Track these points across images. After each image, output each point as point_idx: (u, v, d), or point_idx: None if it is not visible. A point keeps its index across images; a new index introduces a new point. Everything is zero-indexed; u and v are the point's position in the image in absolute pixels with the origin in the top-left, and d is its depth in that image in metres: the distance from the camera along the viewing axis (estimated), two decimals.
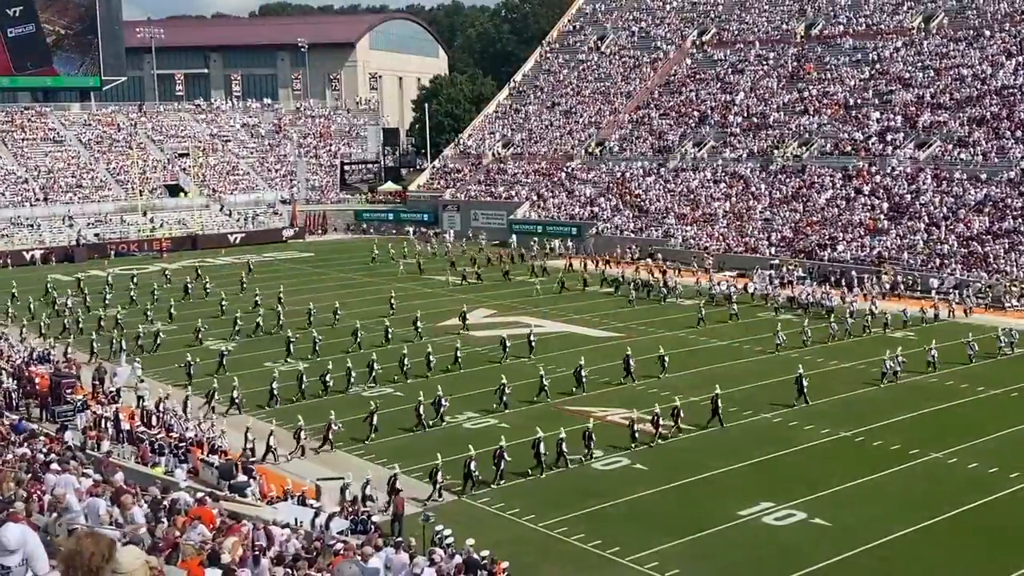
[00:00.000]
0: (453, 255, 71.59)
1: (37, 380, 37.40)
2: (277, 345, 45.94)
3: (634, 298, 56.10)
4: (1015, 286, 55.96)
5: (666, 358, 40.90)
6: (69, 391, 36.77)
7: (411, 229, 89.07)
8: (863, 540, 24.91)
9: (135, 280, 62.06)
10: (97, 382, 39.00)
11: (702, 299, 54.48)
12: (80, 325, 50.64)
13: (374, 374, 39.93)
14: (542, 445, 29.68)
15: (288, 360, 43.66)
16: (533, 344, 44.45)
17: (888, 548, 24.67)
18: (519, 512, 27.06)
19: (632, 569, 23.81)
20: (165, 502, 19.72)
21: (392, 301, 53.80)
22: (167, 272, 66.67)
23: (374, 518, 24.85)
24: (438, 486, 28.06)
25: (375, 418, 33.28)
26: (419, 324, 48.11)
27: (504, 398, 36.21)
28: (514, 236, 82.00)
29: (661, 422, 32.64)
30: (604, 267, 65.72)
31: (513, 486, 28.95)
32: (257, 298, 55.19)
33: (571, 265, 66.73)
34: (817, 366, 39.58)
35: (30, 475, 18.37)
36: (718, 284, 57.84)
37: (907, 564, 24.13)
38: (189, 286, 60.78)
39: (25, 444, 23.31)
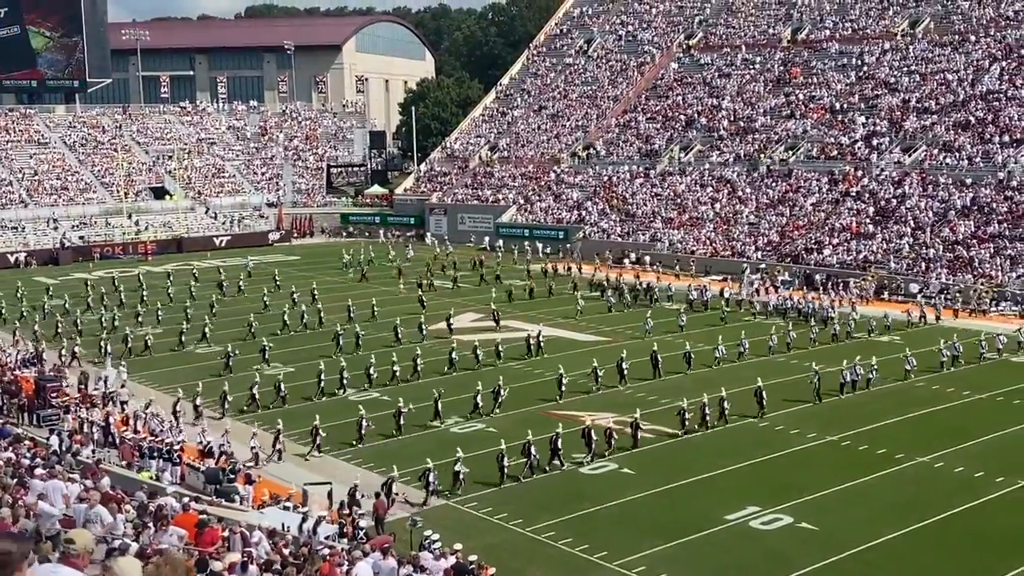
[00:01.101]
0: (435, 259, 71.47)
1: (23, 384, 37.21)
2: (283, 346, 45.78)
3: (614, 303, 56.25)
4: (986, 292, 56.15)
5: (660, 360, 41.29)
6: (54, 395, 36.58)
7: (382, 231, 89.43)
8: (850, 544, 24.96)
9: (141, 282, 62.49)
10: (82, 385, 38.80)
11: (682, 304, 54.67)
12: (79, 327, 50.31)
13: (372, 377, 39.93)
14: (533, 448, 29.64)
15: (267, 363, 43.59)
16: (541, 345, 45.05)
17: (875, 552, 24.72)
18: (507, 516, 27.03)
19: (620, 573, 23.81)
20: (151, 507, 19.64)
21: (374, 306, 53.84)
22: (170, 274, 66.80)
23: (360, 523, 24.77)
24: (431, 488, 28.04)
25: (365, 422, 33.16)
26: (399, 329, 47.99)
27: (499, 399, 36.17)
28: (487, 239, 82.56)
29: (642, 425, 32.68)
30: (594, 272, 65.58)
31: (500, 491, 28.90)
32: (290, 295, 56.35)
33: (555, 269, 66.69)
34: (803, 371, 39.64)
35: (16, 480, 18.26)
36: (697, 289, 57.88)
37: (894, 569, 24.17)
38: (224, 284, 62.22)
39: (10, 449, 23.18)
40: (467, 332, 49.18)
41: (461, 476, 28.55)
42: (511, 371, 41.67)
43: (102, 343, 44.96)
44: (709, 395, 34.77)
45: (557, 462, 30.47)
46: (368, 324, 50.56)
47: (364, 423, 32.98)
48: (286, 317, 51.51)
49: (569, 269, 66.76)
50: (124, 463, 29.03)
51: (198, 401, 35.99)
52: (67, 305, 56.26)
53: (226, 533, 18.76)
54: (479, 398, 35.86)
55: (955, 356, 42.59)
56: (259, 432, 32.41)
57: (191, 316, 52.28)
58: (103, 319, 51.03)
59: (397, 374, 40.52)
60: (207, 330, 48.58)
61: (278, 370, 42.34)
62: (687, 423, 33.67)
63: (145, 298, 57.73)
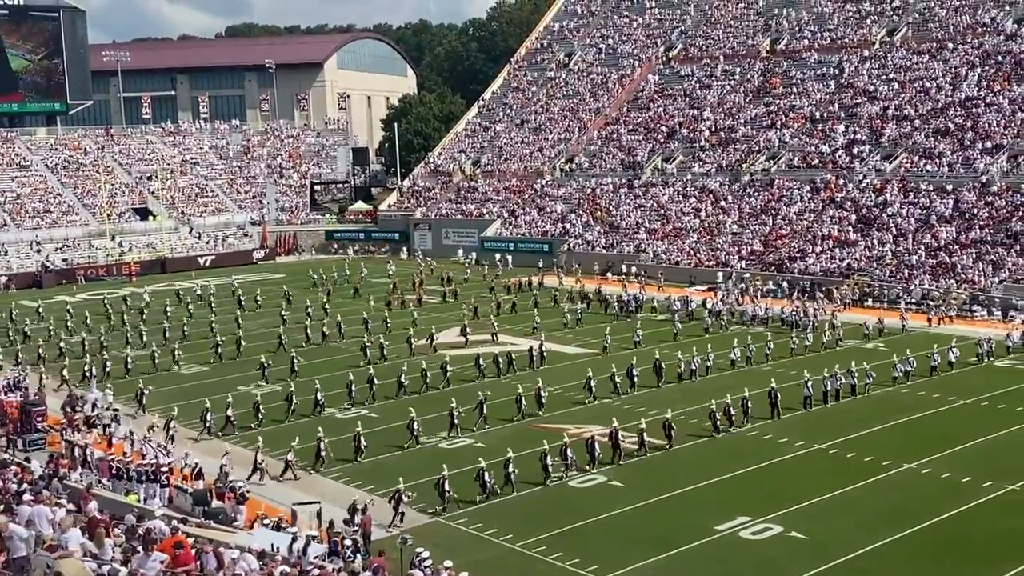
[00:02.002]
0: (420, 273, 71.46)
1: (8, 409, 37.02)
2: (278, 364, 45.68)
3: (581, 315, 56.46)
4: (955, 298, 56.39)
5: (663, 367, 41.79)
6: (39, 419, 36.40)
7: (350, 248, 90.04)
8: (840, 552, 25.03)
9: (146, 301, 62.99)
10: (69, 409, 38.60)
11: (661, 315, 54.91)
12: (62, 350, 50.01)
13: (353, 394, 39.85)
14: (511, 465, 29.57)
15: (265, 381, 43.51)
16: (544, 356, 45.50)
17: (865, 560, 24.79)
18: (496, 532, 26.99)
19: None
20: (140, 530, 19.56)
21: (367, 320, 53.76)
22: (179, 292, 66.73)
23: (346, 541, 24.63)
24: (448, 495, 28.27)
25: (362, 440, 33.01)
26: (384, 345, 48.02)
27: (483, 414, 36.12)
28: (460, 252, 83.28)
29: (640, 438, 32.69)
30: (575, 284, 65.71)
31: (489, 506, 28.86)
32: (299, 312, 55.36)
33: (529, 284, 66.69)
34: (791, 379, 39.74)
35: (2, 506, 18.17)
36: (681, 300, 58.07)
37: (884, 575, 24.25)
38: (242, 299, 62.90)
39: None
40: (454, 347, 49.20)
41: (449, 492, 28.48)
42: (498, 385, 41.59)
43: (86, 367, 44.75)
44: (696, 406, 34.87)
45: (556, 474, 30.43)
46: (353, 340, 50.53)
47: (322, 447, 32.39)
48: (309, 331, 52.26)
49: (538, 284, 66.53)
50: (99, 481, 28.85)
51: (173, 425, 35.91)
52: (51, 328, 55.96)
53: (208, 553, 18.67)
54: (457, 413, 35.84)
55: (943, 362, 42.90)
56: (262, 453, 32.26)
57: (188, 335, 52.75)
58: (85, 342, 50.76)
59: (406, 386, 40.84)
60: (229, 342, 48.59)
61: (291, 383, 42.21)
62: (674, 435, 33.71)
63: (127, 320, 57.59)
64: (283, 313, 57.66)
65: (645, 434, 32.86)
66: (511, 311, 58.43)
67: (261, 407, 37.83)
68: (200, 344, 51.33)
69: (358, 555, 23.69)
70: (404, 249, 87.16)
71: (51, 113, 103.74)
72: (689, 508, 28.60)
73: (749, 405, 36.06)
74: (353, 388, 40.11)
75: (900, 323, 52.13)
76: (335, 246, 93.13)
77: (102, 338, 51.75)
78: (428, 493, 28.84)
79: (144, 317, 58.83)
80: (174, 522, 21.12)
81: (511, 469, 29.59)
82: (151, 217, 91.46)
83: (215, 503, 27.70)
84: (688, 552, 25.55)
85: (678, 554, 25.44)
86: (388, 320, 54.63)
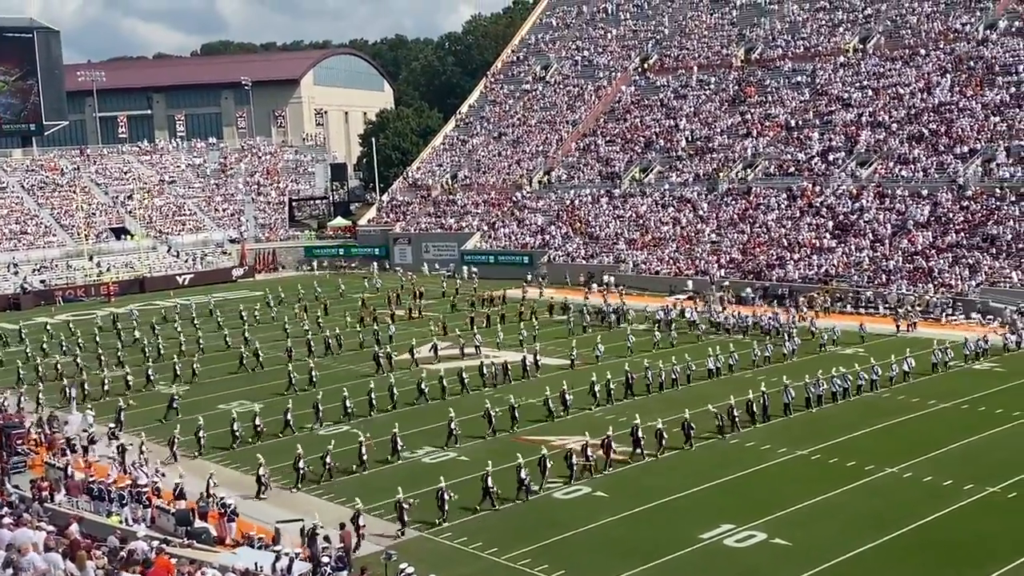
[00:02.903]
0: (402, 288, 71.37)
1: None
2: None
3: (571, 325, 56.56)
4: (916, 305, 56.72)
5: (633, 377, 41.84)
6: (20, 442, 36.17)
7: (314, 262, 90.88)
8: (824, 558, 25.10)
9: (136, 322, 62.67)
10: (49, 431, 38.39)
11: (643, 324, 55.08)
12: (40, 373, 49.66)
13: (320, 414, 39.58)
14: (489, 479, 29.49)
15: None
16: (539, 365, 46.14)
17: (849, 565, 24.88)
18: (481, 546, 26.95)
19: None
20: (123, 552, 19.45)
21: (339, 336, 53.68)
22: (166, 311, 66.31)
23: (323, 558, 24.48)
24: (444, 505, 28.28)
25: (329, 457, 32.88)
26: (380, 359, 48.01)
27: (453, 430, 35.98)
28: (424, 266, 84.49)
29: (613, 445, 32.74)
30: (552, 296, 65.86)
31: (474, 519, 28.83)
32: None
33: (489, 299, 66.67)
34: (771, 386, 39.87)
35: None
36: (663, 309, 58.24)
37: None
38: (267, 308, 63.72)
39: None
40: (443, 360, 49.19)
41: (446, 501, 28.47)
42: (477, 399, 41.56)
43: (65, 388, 44.50)
44: (679, 414, 34.95)
45: (535, 487, 30.45)
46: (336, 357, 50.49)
47: (301, 464, 32.33)
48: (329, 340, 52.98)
49: (500, 299, 66.38)
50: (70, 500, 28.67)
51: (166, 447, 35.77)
52: (28, 351, 55.60)
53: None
54: (453, 425, 35.85)
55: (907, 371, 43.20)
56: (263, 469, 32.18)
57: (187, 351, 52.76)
58: (58, 363, 50.50)
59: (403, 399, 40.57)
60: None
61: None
62: (663, 443, 33.78)
63: (98, 340, 57.32)
64: (286, 327, 58.07)
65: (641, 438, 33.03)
66: (485, 325, 57.80)
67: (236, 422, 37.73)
68: (187, 362, 51.03)
69: (342, 572, 23.58)
70: (374, 264, 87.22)
71: (26, 134, 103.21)
72: (673, 517, 28.64)
73: (736, 414, 36.16)
74: (349, 404, 40.10)
75: (859, 329, 52.32)
76: (313, 262, 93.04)
77: (77, 359, 51.54)
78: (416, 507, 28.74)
79: (122, 338, 58.50)
80: (155, 543, 21.02)
81: (490, 484, 29.45)
82: (129, 237, 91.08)
83: (198, 523, 27.55)
84: (673, 561, 25.58)
85: (663, 564, 25.46)
86: (340, 338, 54.45)
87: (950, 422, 36.79)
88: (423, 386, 42.31)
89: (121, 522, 26.78)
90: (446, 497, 28.39)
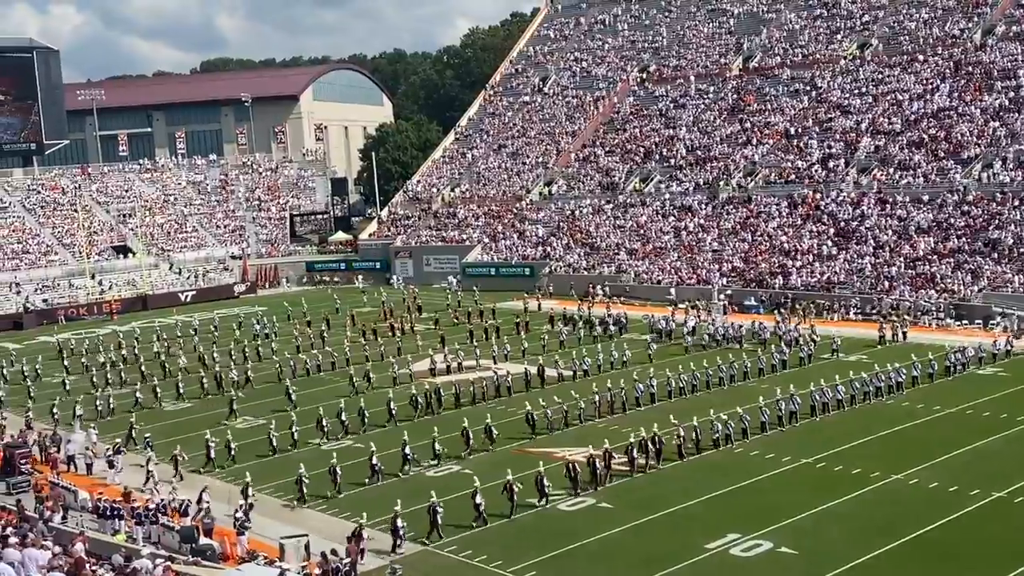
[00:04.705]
0: (403, 302, 71.29)
1: None
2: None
3: (583, 336, 56.47)
4: (896, 314, 56.62)
5: (642, 388, 41.77)
6: (23, 461, 36.16)
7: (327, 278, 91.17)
8: (830, 566, 25.02)
9: (138, 339, 62.61)
10: (52, 450, 38.38)
11: (645, 334, 55.01)
12: (30, 394, 49.70)
13: (324, 427, 39.61)
14: (478, 496, 29.32)
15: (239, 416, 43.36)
16: (543, 377, 45.99)
17: (855, 573, 24.80)
18: (487, 559, 26.87)
19: None
20: (127, 570, 19.43)
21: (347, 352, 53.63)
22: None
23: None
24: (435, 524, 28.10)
25: (338, 473, 32.87)
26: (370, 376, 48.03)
27: (470, 442, 36.02)
28: (394, 278, 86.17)
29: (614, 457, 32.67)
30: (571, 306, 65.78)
31: (478, 533, 28.75)
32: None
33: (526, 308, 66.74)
34: (774, 395, 39.81)
35: None
36: (665, 318, 58.22)
37: None
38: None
39: None
40: (440, 374, 49.15)
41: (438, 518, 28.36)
42: (478, 411, 41.50)
43: (75, 406, 44.50)
44: (685, 423, 34.90)
45: (543, 501, 30.38)
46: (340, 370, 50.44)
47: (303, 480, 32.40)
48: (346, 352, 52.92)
49: (491, 312, 65.84)
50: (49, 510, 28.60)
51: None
52: (38, 368, 55.65)
53: None
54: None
55: (928, 372, 43.13)
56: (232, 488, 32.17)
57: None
58: (65, 382, 50.53)
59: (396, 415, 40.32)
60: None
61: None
62: (661, 454, 33.77)
63: (113, 359, 57.30)
64: (296, 341, 58.21)
65: (634, 451, 32.93)
66: (484, 338, 57.44)
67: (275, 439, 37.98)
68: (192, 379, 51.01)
69: None
70: (359, 278, 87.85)
71: (27, 154, 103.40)
72: (678, 527, 28.57)
73: (747, 421, 36.15)
74: (344, 417, 40.08)
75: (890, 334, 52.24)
76: (316, 277, 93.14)
77: (92, 377, 51.67)
78: (419, 521, 28.67)
79: (124, 355, 58.51)
80: (161, 560, 20.97)
81: (479, 500, 29.27)
82: (130, 254, 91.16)
83: (202, 539, 27.49)
84: (679, 572, 25.50)
85: (669, 574, 25.37)
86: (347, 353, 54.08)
87: (954, 428, 36.73)
88: (418, 399, 42.32)
89: (126, 540, 26.73)
90: (438, 510, 28.26)
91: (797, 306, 59.71)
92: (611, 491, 31.54)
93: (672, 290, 67.76)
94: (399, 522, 27.61)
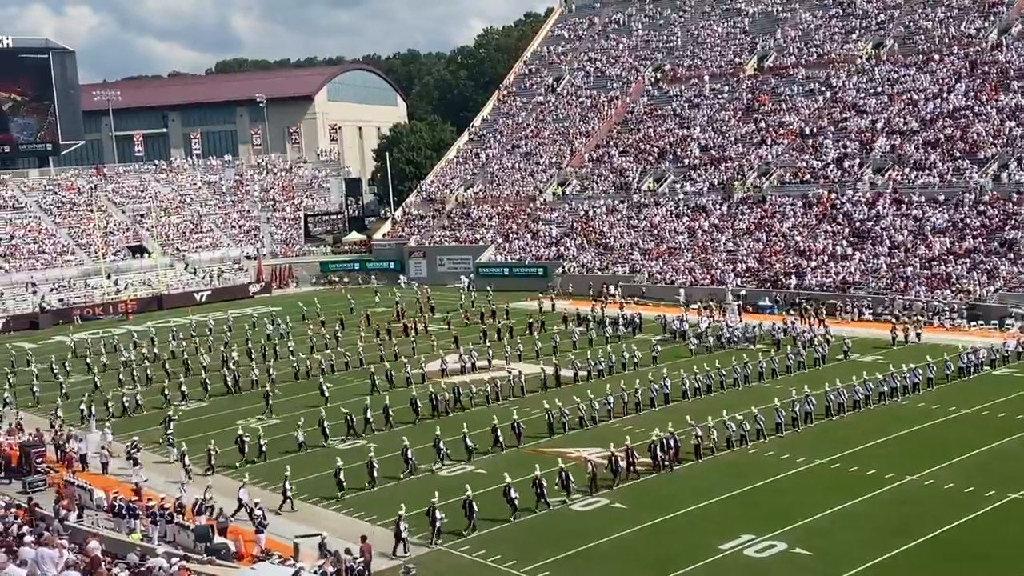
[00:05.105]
0: (418, 302, 71.33)
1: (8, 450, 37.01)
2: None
3: (595, 337, 56.25)
4: (908, 314, 56.43)
5: (656, 388, 41.78)
6: (39, 460, 36.35)
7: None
8: (845, 567, 24.93)
9: (155, 337, 62.84)
10: (65, 448, 38.55)
11: (656, 335, 54.85)
12: (64, 390, 49.97)
13: (352, 426, 39.80)
14: (512, 491, 29.46)
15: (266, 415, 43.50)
16: (559, 379, 46.03)
17: (871, 573, 24.70)
18: (500, 559, 26.87)
19: None
20: (142, 569, 19.50)
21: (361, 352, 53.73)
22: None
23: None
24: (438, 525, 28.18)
25: (341, 474, 32.87)
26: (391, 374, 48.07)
27: (468, 444, 35.92)
28: (403, 279, 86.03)
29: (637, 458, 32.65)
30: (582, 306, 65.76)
31: (492, 532, 28.75)
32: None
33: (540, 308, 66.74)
34: (788, 395, 39.70)
35: (3, 549, 18.10)
36: (678, 319, 58.13)
37: None
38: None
39: None
40: (451, 374, 49.17)
41: (439, 524, 28.33)
42: (497, 411, 41.52)
43: (83, 405, 44.70)
44: (701, 424, 34.84)
45: (561, 500, 30.39)
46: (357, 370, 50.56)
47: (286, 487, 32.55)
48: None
49: (504, 312, 66.00)
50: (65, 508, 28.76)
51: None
52: (54, 367, 55.94)
53: None
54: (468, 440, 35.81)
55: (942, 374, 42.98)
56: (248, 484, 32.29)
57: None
58: (96, 380, 50.85)
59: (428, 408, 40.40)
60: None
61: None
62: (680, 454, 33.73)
63: (131, 359, 57.56)
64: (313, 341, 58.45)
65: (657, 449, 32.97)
66: (497, 338, 57.55)
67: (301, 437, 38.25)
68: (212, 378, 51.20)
69: None
70: (373, 278, 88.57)
71: (43, 154, 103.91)
72: (692, 528, 28.51)
73: (762, 422, 36.11)
74: (352, 419, 40.13)
75: (902, 335, 52.02)
76: (331, 277, 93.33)
77: (96, 377, 51.89)
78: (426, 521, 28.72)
79: (145, 354, 58.79)
80: (176, 560, 21.05)
81: (513, 494, 29.46)
82: (146, 254, 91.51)
83: (217, 539, 27.58)
84: (693, 572, 25.45)
85: (683, 574, 25.33)
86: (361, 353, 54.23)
87: (970, 429, 36.54)
88: (433, 399, 42.40)
89: (141, 539, 26.84)
90: (438, 516, 28.18)
91: (808, 307, 59.47)
92: (625, 492, 31.51)
93: (680, 291, 67.62)
94: (403, 524, 27.59)
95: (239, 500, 30.96)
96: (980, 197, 65.37)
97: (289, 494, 31.72)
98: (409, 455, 34.13)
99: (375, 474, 33.22)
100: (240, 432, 38.28)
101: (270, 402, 44.65)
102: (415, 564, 25.33)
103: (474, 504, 28.80)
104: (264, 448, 37.49)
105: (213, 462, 35.97)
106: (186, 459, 35.91)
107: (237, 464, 36.68)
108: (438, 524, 28.16)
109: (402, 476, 33.82)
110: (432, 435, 36.04)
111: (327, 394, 45.29)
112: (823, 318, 56.78)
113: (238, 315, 71.47)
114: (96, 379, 51.66)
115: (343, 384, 48.92)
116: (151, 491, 33.05)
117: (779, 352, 49.10)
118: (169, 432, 39.73)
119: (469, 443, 35.62)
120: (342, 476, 32.52)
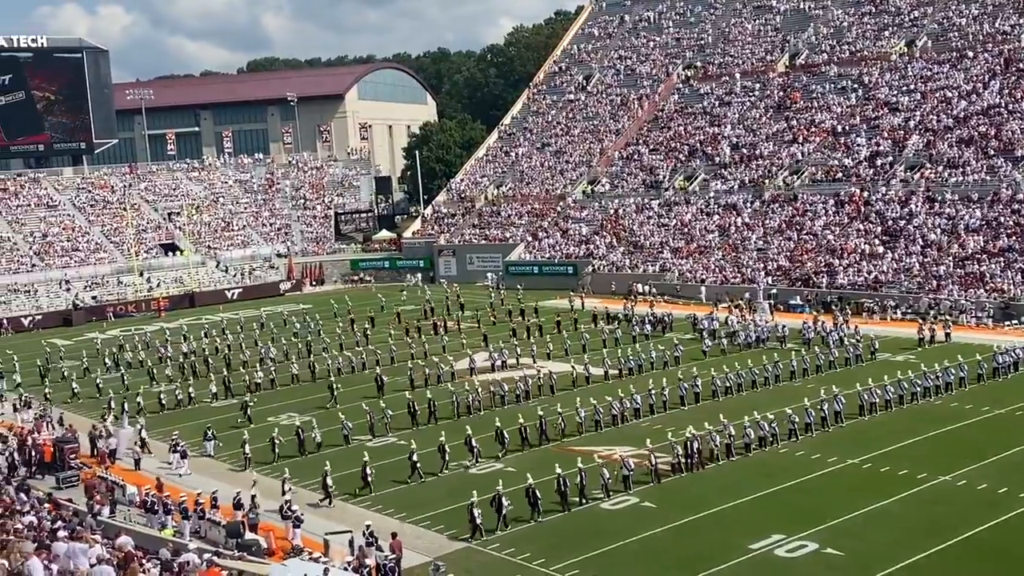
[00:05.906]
0: (446, 300, 71.42)
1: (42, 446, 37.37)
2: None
3: (620, 336, 56.15)
4: (935, 313, 55.92)
5: (687, 388, 41.79)
6: (72, 456, 36.70)
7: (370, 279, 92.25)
8: (877, 568, 24.75)
9: (169, 340, 62.81)
10: (98, 444, 38.90)
11: (686, 333, 54.72)
12: (99, 387, 50.44)
13: (383, 421, 39.96)
14: (537, 491, 29.40)
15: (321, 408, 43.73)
16: (588, 379, 46.03)
17: (903, 574, 24.51)
18: (529, 557, 26.87)
19: None
20: (175, 564, 19.66)
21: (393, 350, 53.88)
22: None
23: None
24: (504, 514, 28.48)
25: (369, 469, 32.97)
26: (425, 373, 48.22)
27: (505, 441, 36.03)
28: (413, 278, 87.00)
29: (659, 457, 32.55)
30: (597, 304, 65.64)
31: (521, 531, 28.76)
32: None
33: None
34: (818, 395, 39.43)
35: (36, 544, 18.29)
36: (708, 318, 57.85)
37: None
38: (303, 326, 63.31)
39: (31, 512, 23.23)
40: (483, 372, 49.20)
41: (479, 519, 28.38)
42: (526, 410, 41.51)
43: (117, 401, 45.08)
44: (735, 422, 34.71)
45: (583, 499, 30.36)
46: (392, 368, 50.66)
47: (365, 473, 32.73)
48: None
49: (533, 311, 65.71)
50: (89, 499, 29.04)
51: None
52: (86, 365, 56.45)
53: None
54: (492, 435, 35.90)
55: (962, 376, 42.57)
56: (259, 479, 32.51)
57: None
58: (124, 377, 51.36)
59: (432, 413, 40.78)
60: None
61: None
62: (714, 454, 33.60)
63: (161, 356, 58.02)
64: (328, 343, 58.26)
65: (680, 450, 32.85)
66: (526, 337, 57.34)
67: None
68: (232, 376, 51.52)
69: None
70: (408, 276, 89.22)
71: (77, 153, 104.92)
72: (722, 527, 28.38)
73: (795, 422, 35.95)
74: (384, 414, 40.28)
75: (919, 335, 51.54)
76: (361, 275, 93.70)
77: (123, 375, 52.34)
78: (459, 518, 28.76)
79: (184, 350, 59.29)
80: (208, 555, 21.21)
81: (537, 494, 29.44)
82: (178, 252, 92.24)
83: (248, 535, 27.75)
84: (723, 572, 25.34)
85: (712, 574, 25.24)
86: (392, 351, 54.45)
87: (1004, 429, 36.14)
88: (464, 398, 42.44)
89: (173, 535, 27.05)
90: (476, 512, 28.22)
91: (834, 307, 59.03)
92: (655, 491, 31.42)
93: (702, 288, 67.38)
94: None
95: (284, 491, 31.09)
96: (1015, 195, 64.67)
97: (331, 489, 31.89)
98: (446, 451, 34.24)
99: (418, 468, 33.36)
100: (297, 426, 38.56)
101: (335, 392, 45.36)
102: (444, 561, 25.38)
103: (503, 500, 28.82)
104: (310, 441, 37.75)
105: (277, 451, 36.60)
106: (245, 451, 36.24)
107: (272, 461, 36.90)
108: (504, 511, 28.50)
109: (440, 473, 33.94)
110: (463, 433, 36.07)
111: (385, 388, 45.88)
112: (848, 317, 56.27)
113: (270, 312, 71.84)
114: (124, 376, 52.15)
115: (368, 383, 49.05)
116: (178, 486, 33.33)
117: (809, 351, 48.77)
118: (208, 428, 40.03)
119: (506, 436, 35.78)
120: (369, 471, 32.61)
